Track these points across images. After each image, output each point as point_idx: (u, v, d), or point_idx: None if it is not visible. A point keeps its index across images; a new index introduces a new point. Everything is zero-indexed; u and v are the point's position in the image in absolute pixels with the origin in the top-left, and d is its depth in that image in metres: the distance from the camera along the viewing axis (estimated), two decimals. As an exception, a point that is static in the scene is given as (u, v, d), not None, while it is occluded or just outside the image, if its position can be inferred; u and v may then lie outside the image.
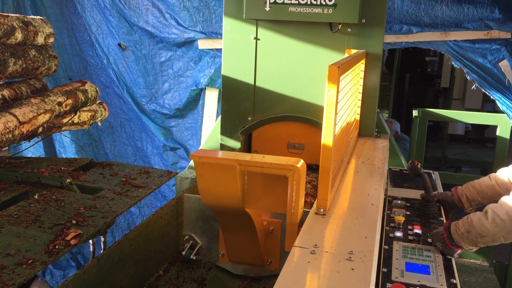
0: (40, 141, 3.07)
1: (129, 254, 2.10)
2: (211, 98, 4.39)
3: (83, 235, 2.01)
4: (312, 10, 2.79)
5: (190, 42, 4.27)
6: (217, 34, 4.13)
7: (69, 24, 4.52)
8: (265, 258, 2.29)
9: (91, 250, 2.39)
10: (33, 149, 4.58)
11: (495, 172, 2.35)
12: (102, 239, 2.34)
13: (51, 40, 3.03)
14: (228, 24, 3.04)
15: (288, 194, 1.91)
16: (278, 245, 2.25)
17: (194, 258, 2.39)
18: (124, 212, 2.37)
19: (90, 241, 2.32)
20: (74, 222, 2.11)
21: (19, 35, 2.69)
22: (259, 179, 1.99)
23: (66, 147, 4.81)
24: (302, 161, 1.91)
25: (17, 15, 2.79)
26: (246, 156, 1.97)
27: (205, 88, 4.37)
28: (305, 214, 1.90)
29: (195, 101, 4.47)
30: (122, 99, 4.66)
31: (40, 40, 2.90)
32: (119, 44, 4.39)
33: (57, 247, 1.89)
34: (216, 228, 2.37)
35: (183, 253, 2.40)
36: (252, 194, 2.02)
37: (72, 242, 1.95)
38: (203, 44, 4.24)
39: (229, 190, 1.96)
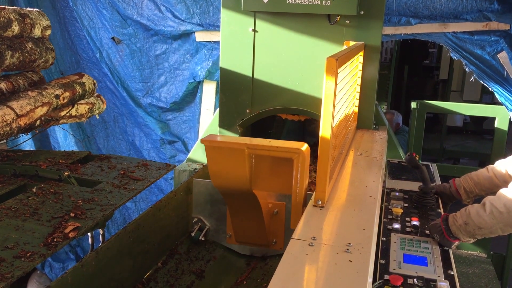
0: (37, 134, 3.06)
1: (127, 247, 2.10)
2: (209, 91, 4.38)
3: (81, 228, 2.02)
4: (310, 2, 2.77)
5: (187, 35, 4.25)
6: (215, 27, 4.11)
7: (61, 18, 4.48)
8: (270, 239, 2.45)
9: (90, 242, 2.40)
10: (30, 143, 4.57)
11: (493, 164, 2.36)
12: (101, 232, 2.34)
13: (48, 32, 3.01)
14: (226, 16, 3.03)
15: (293, 175, 2.04)
16: (283, 226, 2.42)
17: (202, 239, 2.56)
18: (123, 205, 2.37)
19: (89, 234, 2.32)
20: (72, 215, 2.10)
21: (15, 28, 2.67)
22: (266, 161, 2.13)
23: (60, 142, 4.79)
24: (306, 145, 2.05)
25: (14, 7, 2.77)
26: (254, 141, 2.13)
27: (202, 81, 4.36)
28: (309, 196, 1.94)
29: (192, 94, 4.45)
30: (114, 94, 4.63)
31: (37, 32, 2.89)
32: (113, 38, 4.36)
33: (55, 240, 1.89)
34: (223, 211, 2.53)
35: (193, 234, 2.56)
36: (259, 176, 2.17)
37: (71, 235, 1.95)
38: (201, 36, 4.22)
39: (238, 172, 2.11)
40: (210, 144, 2.10)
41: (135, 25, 4.31)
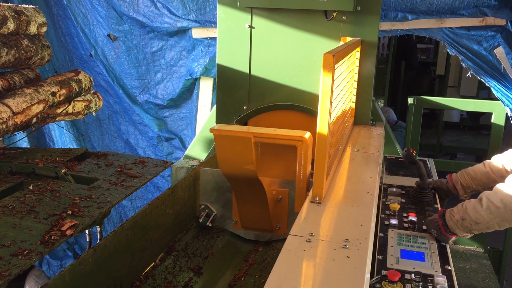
0: (34, 131, 3.06)
1: (125, 244, 2.10)
2: (206, 87, 4.37)
3: (78, 225, 2.01)
4: (307, -3, 2.77)
5: (183, 31, 4.23)
6: (211, 23, 4.10)
7: (54, 16, 4.46)
8: (274, 224, 2.56)
9: (87, 240, 2.39)
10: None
11: (489, 159, 2.36)
12: (98, 229, 2.34)
13: (44, 29, 3.00)
14: (223, 12, 3.02)
15: (297, 162, 2.17)
16: (286, 212, 2.54)
17: (210, 225, 2.67)
18: (120, 202, 2.37)
19: (86, 231, 2.32)
20: (69, 212, 2.10)
21: (11, 25, 2.66)
22: (271, 149, 2.27)
23: (55, 140, 4.78)
24: (309, 133, 2.18)
25: (9, 4, 2.76)
26: (260, 129, 2.27)
27: (199, 78, 4.35)
28: (312, 183, 1.96)
29: (189, 90, 4.44)
30: (108, 92, 4.61)
31: (32, 29, 2.88)
32: (109, 35, 4.35)
33: (52, 237, 1.89)
34: (229, 198, 2.64)
35: (200, 220, 2.67)
36: (265, 163, 2.30)
37: (68, 232, 1.94)
38: (197, 33, 4.21)
39: (245, 159, 2.23)
40: (218, 133, 2.22)
41: (131, 21, 4.29)
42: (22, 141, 4.28)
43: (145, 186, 3.26)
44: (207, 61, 4.24)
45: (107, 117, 4.76)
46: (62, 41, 4.54)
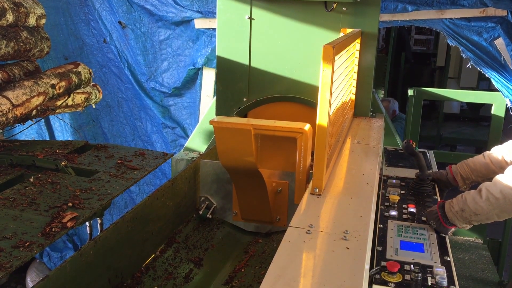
0: (33, 124, 3.06)
1: (125, 235, 2.11)
2: (209, 77, 4.37)
3: (79, 217, 2.02)
4: (306, -12, 2.75)
5: (188, 21, 4.25)
6: (213, 14, 4.09)
7: (64, 3, 4.46)
8: (274, 216, 2.58)
9: (88, 232, 2.40)
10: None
11: (489, 150, 2.36)
12: (99, 221, 2.35)
13: (43, 21, 2.99)
14: (222, 4, 3.01)
15: (297, 154, 2.18)
16: (286, 204, 2.55)
17: (210, 216, 2.68)
18: (120, 194, 2.38)
19: (87, 223, 2.33)
20: (70, 204, 2.11)
21: (10, 17, 2.65)
22: (271, 141, 2.28)
23: (63, 125, 4.79)
24: (308, 125, 2.19)
25: (8, -4, 2.75)
26: (260, 121, 2.28)
27: (202, 68, 4.36)
28: (311, 175, 1.97)
29: (192, 80, 4.46)
30: (119, 78, 4.64)
31: (31, 21, 2.86)
32: (120, 22, 4.37)
33: (53, 229, 1.90)
34: (229, 189, 2.65)
35: (200, 212, 2.68)
36: (265, 155, 2.31)
37: (69, 224, 1.95)
38: (200, 23, 4.21)
39: (245, 151, 2.24)
40: (218, 125, 2.24)
41: (140, 10, 4.31)
42: (24, 132, 4.28)
43: (153, 172, 3.29)
44: (209, 51, 4.24)
45: (116, 104, 4.78)
46: (72, 28, 4.54)
